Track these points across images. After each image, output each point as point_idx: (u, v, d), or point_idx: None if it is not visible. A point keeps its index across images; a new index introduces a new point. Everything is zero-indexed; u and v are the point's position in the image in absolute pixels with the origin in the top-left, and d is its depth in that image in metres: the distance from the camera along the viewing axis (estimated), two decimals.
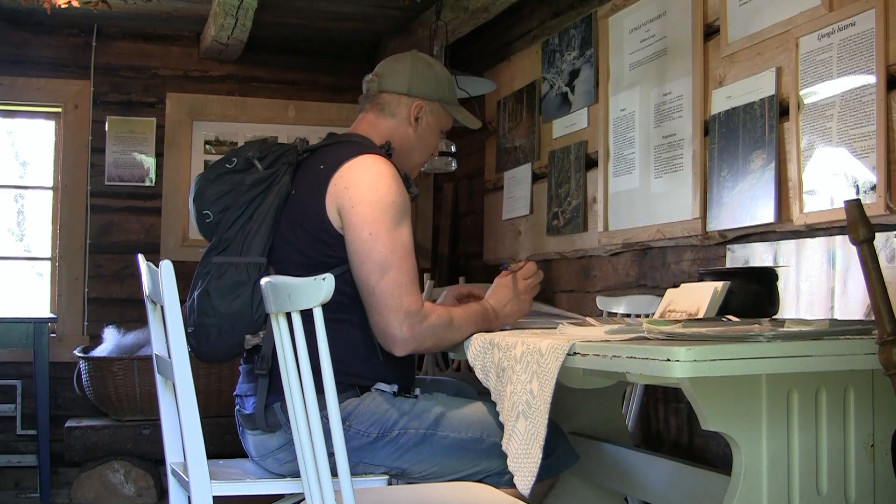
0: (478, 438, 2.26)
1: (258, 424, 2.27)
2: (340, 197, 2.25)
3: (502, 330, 2.35)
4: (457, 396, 2.42)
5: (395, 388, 2.31)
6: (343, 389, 2.20)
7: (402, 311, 2.19)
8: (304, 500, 1.97)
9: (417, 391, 2.35)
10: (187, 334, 2.22)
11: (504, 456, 2.07)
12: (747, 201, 2.79)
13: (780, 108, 2.70)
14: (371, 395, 2.29)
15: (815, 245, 2.54)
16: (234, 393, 2.44)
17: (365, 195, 2.23)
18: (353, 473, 2.20)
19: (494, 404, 2.13)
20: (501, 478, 2.27)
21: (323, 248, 2.28)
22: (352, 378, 2.26)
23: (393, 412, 2.26)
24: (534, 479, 1.93)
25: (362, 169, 2.28)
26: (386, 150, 2.42)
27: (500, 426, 2.11)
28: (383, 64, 2.56)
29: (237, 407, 2.41)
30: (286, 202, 2.32)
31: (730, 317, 2.08)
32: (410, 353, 2.25)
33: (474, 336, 2.25)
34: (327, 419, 1.84)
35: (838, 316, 2.41)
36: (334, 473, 1.83)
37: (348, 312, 2.27)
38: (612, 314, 3.32)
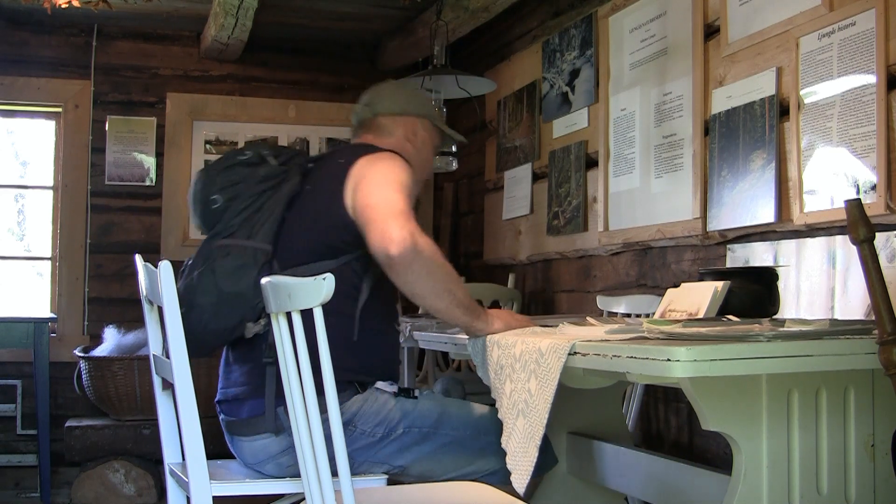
0: (474, 436, 2.29)
1: (265, 425, 2.23)
2: (356, 179, 2.29)
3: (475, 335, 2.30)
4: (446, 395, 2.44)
5: (395, 387, 2.32)
6: (343, 388, 2.18)
7: (400, 215, 2.16)
8: (303, 500, 1.97)
9: (417, 391, 2.36)
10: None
11: (498, 455, 2.10)
12: (747, 201, 2.79)
13: (781, 108, 2.70)
14: (373, 394, 2.29)
15: (816, 245, 2.54)
16: (217, 400, 2.38)
17: (377, 170, 2.30)
18: (356, 473, 2.20)
19: (490, 404, 2.14)
20: (495, 477, 2.28)
21: (332, 233, 2.29)
22: (338, 372, 2.21)
23: (397, 412, 2.27)
24: (529, 477, 1.94)
25: (380, 158, 2.36)
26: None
27: (497, 425, 2.11)
28: (369, 94, 2.64)
29: (222, 416, 2.36)
30: (294, 199, 2.34)
31: (730, 316, 2.08)
32: (408, 253, 2.10)
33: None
34: (327, 420, 1.83)
35: (838, 316, 2.41)
36: (334, 473, 1.83)
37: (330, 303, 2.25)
38: (612, 314, 3.32)
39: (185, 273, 2.30)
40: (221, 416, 2.37)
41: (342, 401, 2.16)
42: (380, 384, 2.31)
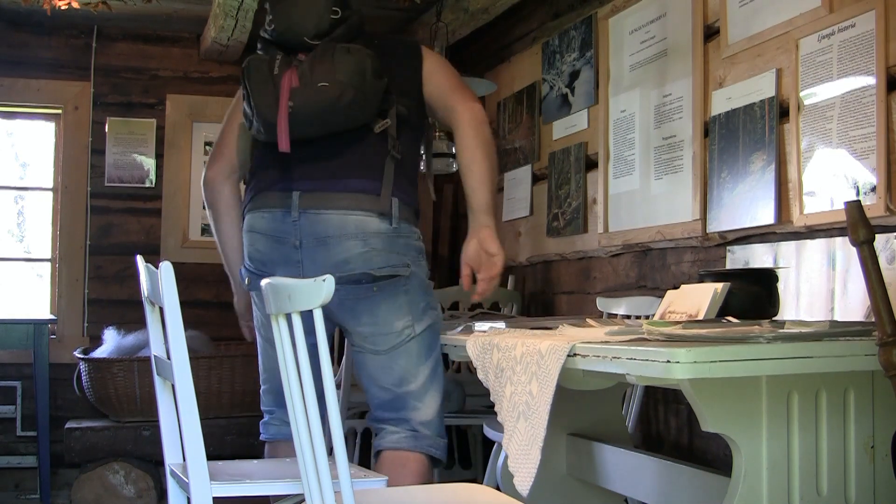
0: (440, 374, 2.55)
1: (372, 204, 2.41)
2: (427, 56, 2.63)
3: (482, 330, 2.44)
4: None
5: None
6: (413, 211, 2.56)
7: (475, 98, 2.58)
8: (304, 500, 1.97)
9: None
10: (316, 88, 2.34)
11: (414, 420, 2.46)
12: (747, 202, 2.79)
13: (781, 110, 2.70)
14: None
15: (815, 246, 2.54)
16: (277, 181, 2.49)
17: (443, 63, 2.71)
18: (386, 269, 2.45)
19: (490, 405, 2.14)
20: (415, 440, 2.49)
21: (411, 80, 2.57)
22: (406, 203, 2.49)
23: (430, 288, 2.63)
24: (532, 479, 1.94)
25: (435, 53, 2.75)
26: None
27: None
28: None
29: (297, 192, 2.44)
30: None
31: (730, 318, 2.08)
32: (485, 119, 2.54)
33: (475, 337, 2.26)
34: (328, 421, 1.83)
35: (838, 317, 2.41)
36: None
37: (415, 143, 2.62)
38: (612, 315, 3.32)
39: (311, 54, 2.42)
40: (296, 192, 2.43)
41: (413, 222, 2.54)
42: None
